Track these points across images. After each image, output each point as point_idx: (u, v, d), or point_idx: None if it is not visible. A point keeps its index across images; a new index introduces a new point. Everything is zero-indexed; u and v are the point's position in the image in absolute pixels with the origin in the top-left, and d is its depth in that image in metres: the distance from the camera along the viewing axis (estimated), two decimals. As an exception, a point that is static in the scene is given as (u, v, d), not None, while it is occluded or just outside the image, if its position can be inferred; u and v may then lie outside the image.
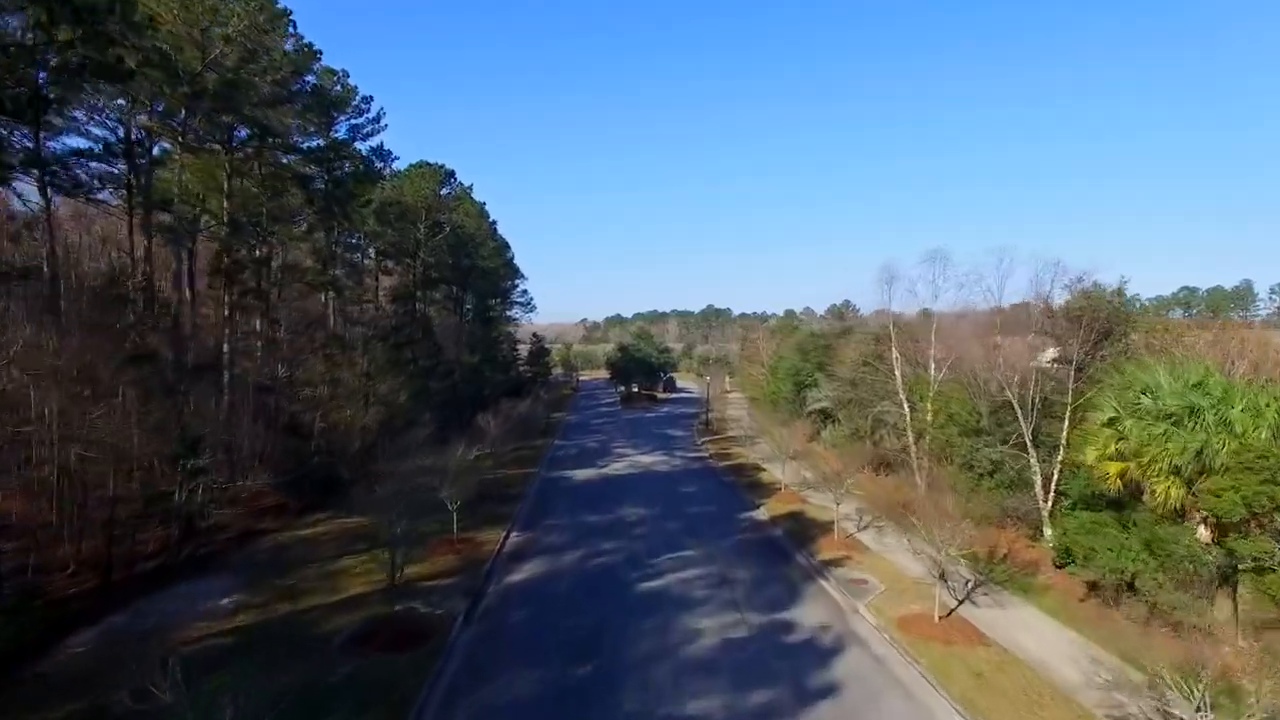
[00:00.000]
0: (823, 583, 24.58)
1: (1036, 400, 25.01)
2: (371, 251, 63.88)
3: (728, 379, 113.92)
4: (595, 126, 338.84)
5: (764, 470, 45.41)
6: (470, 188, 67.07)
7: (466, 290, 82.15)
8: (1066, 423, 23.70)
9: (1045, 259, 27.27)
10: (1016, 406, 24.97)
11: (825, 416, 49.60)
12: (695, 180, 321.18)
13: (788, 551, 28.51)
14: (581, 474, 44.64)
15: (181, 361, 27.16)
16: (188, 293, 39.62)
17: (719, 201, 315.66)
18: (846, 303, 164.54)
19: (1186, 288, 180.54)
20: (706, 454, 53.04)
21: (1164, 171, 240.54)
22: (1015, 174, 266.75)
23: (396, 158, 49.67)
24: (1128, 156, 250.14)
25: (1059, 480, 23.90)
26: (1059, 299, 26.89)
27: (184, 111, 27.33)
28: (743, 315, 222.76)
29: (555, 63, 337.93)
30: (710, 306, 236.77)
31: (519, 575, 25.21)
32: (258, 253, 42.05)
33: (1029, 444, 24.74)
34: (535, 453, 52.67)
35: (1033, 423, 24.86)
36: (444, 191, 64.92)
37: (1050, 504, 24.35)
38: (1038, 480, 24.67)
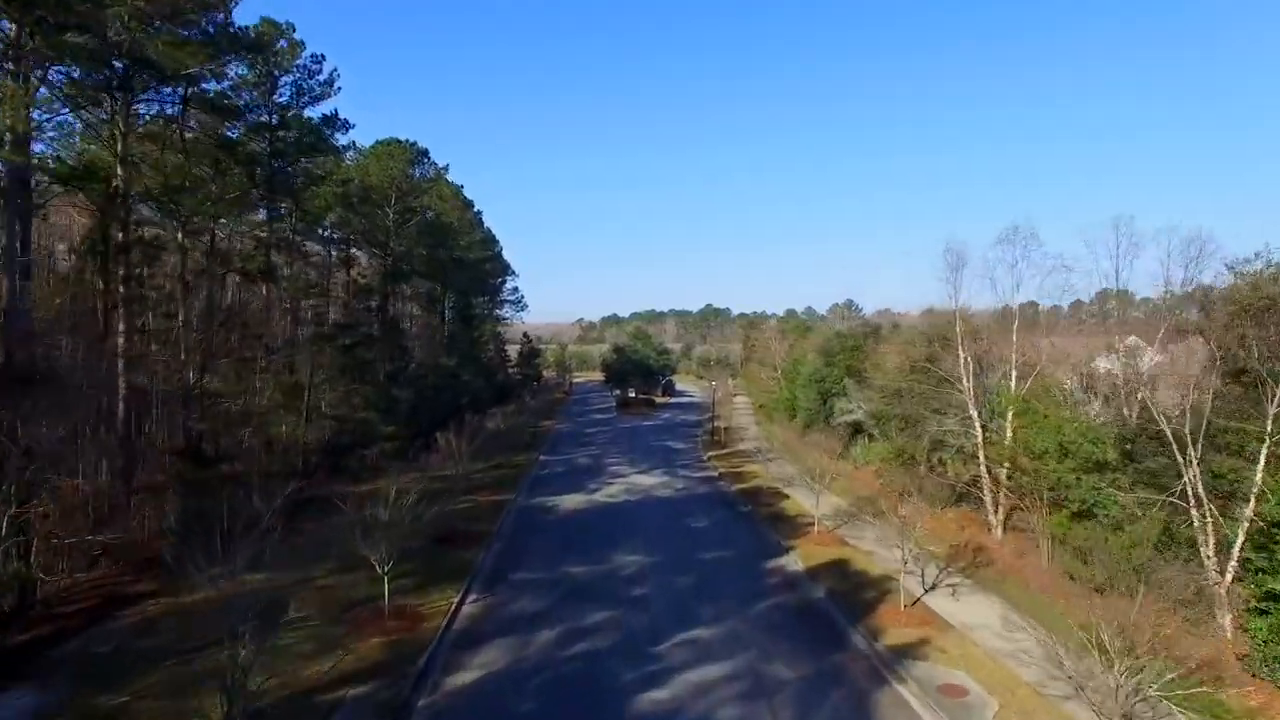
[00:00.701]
0: (901, 689, 17.18)
1: (1199, 429, 17.65)
2: (340, 241, 56.47)
3: (731, 382, 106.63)
4: (593, 126, 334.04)
5: (787, 496, 38.01)
6: (445, 168, 59.70)
7: (446, 286, 74.74)
8: (1261, 464, 16.34)
9: (1182, 234, 20.09)
10: (1175, 438, 17.58)
11: (857, 430, 42.25)
12: (693, 178, 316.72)
13: (839, 628, 21.11)
14: (568, 501, 37.16)
15: (12, 369, 19.65)
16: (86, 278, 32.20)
17: (716, 199, 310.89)
18: (850, 301, 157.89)
19: (1204, 286, 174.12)
20: (715, 473, 45.62)
21: (1162, 171, 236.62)
22: (1013, 173, 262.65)
23: (352, 125, 42.16)
24: (1126, 156, 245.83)
25: (1247, 545, 16.53)
26: (1211, 283, 19.53)
27: (15, 27, 19.79)
28: (741, 315, 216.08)
29: (554, 62, 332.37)
30: (709, 306, 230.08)
31: (467, 675, 17.73)
32: (179, 236, 34.66)
33: (1194, 491, 17.36)
34: (516, 471, 45.19)
35: (1197, 457, 17.50)
36: (416, 172, 57.43)
37: (1230, 578, 17.01)
38: (1208, 543, 17.34)
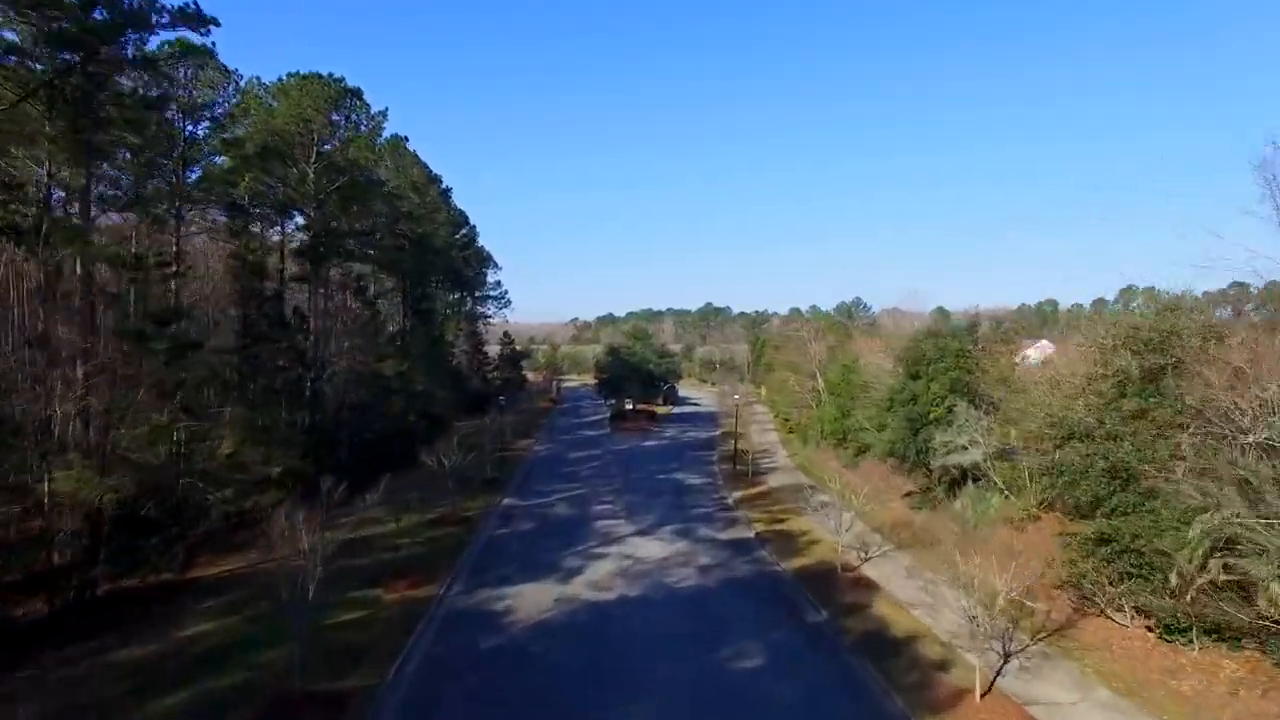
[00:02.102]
0: None
1: None
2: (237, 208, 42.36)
3: (740, 386, 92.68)
4: (593, 126, 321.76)
5: (876, 586, 24.03)
6: (384, 113, 45.27)
7: (396, 272, 60.69)
8: None
9: None
10: None
11: (965, 477, 28.47)
12: (693, 178, 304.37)
13: None
14: (528, 601, 23.03)
15: None
16: None
17: (716, 199, 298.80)
18: (857, 299, 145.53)
19: (1238, 283, 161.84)
20: (751, 532, 31.69)
21: (1162, 171, 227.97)
22: (1013, 173, 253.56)
23: (215, 23, 27.94)
24: (1127, 156, 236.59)
25: None
26: None
27: None
28: (742, 314, 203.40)
29: (554, 62, 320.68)
30: (709, 304, 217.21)
31: None
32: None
33: None
34: (462, 532, 31.15)
35: None
36: (340, 118, 43.42)
37: None
38: None
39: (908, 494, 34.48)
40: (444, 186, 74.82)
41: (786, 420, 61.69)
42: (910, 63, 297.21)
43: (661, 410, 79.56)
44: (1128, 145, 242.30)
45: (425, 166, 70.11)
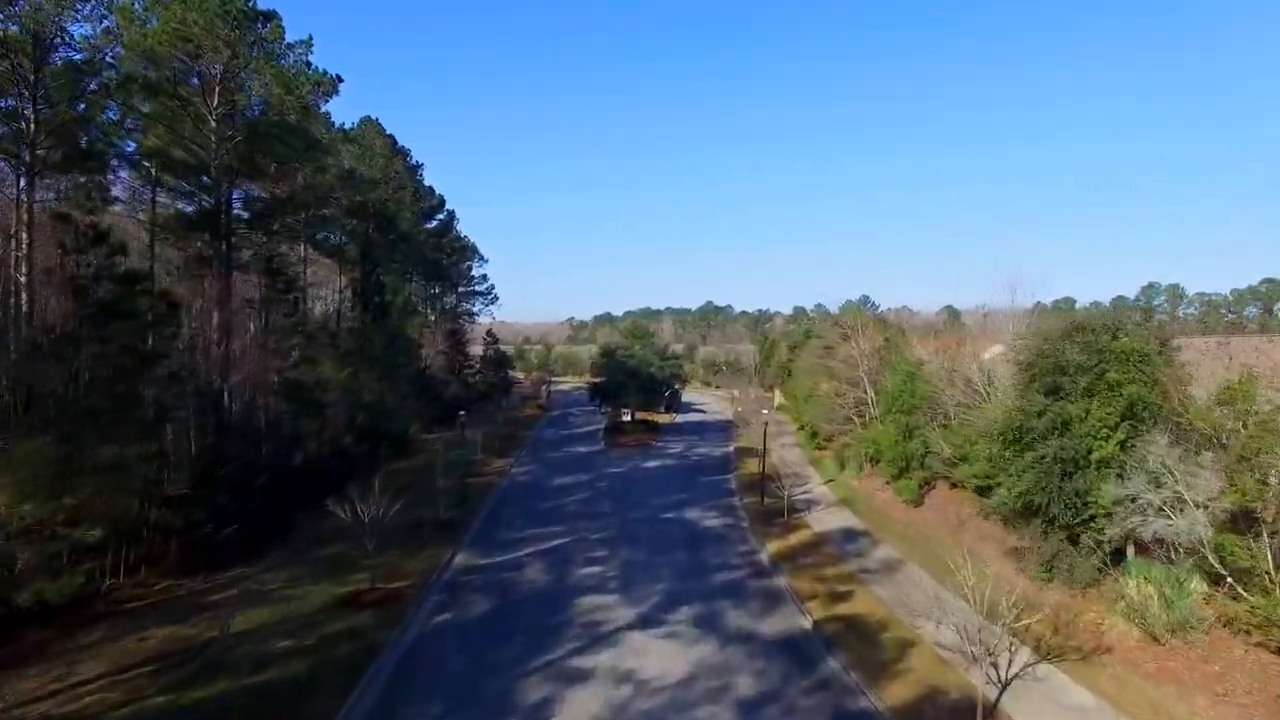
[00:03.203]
0: None
1: None
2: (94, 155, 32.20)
3: (750, 391, 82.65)
4: (593, 126, 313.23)
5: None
6: (308, 41, 34.71)
7: (347, 257, 50.62)
8: None
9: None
10: None
11: (1129, 545, 18.38)
12: (693, 178, 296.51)
13: None
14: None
15: None
16: None
17: (716, 199, 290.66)
18: (865, 298, 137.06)
19: (1269, 279, 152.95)
20: (806, 620, 21.57)
21: (1162, 171, 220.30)
22: (1013, 173, 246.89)
23: None
24: (1126, 156, 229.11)
25: None
26: None
27: None
28: (744, 313, 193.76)
29: (554, 62, 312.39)
30: (709, 303, 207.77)
31: None
32: None
33: None
34: (381, 622, 20.95)
35: None
36: (252, 50, 33.19)
37: None
38: None
39: (1012, 550, 24.54)
40: (413, 161, 64.89)
41: (814, 435, 51.64)
42: (910, 63, 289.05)
43: (664, 419, 69.36)
44: (1128, 145, 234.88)
45: (390, 137, 60.15)
